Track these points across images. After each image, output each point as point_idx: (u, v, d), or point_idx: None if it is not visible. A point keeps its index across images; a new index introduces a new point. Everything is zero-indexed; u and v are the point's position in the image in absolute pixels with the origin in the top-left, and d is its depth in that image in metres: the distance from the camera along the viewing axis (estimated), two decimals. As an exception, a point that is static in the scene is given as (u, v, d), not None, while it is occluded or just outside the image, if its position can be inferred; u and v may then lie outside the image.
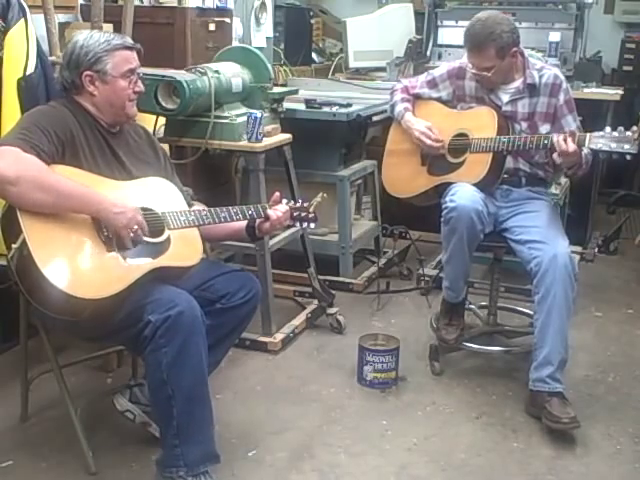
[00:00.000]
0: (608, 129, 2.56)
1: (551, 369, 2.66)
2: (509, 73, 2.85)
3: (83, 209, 2.07)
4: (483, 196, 2.79)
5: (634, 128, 2.53)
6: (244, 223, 2.47)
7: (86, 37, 2.23)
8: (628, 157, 2.54)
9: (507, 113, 2.87)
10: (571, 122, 2.84)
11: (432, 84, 3.05)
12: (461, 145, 2.89)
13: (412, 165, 3.04)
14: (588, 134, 2.58)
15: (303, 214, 2.54)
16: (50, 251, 1.99)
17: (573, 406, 2.67)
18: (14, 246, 2.01)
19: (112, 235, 2.10)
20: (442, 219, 2.79)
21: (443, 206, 2.78)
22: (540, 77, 2.84)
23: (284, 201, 2.52)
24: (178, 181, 2.48)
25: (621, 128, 2.54)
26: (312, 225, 2.57)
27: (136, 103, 2.33)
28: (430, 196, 3.00)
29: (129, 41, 2.29)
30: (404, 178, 3.09)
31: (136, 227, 2.11)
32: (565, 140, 2.59)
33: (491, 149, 2.80)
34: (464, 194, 2.74)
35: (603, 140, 2.55)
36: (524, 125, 2.87)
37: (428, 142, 2.93)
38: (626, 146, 2.51)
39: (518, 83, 2.87)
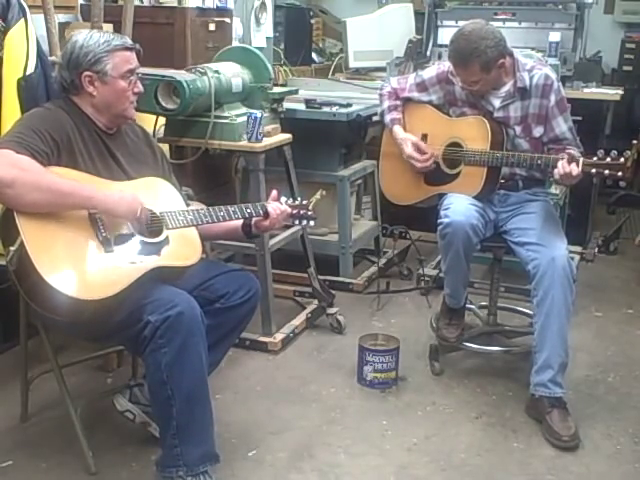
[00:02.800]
0: (601, 153, 2.50)
1: (552, 373, 2.66)
2: (498, 81, 2.81)
3: (81, 205, 2.07)
4: (480, 205, 2.79)
5: (627, 152, 2.47)
6: (240, 221, 2.47)
7: (86, 37, 2.22)
8: (622, 184, 2.50)
9: (499, 118, 2.84)
10: (561, 123, 2.79)
11: (422, 87, 3.00)
12: (455, 156, 2.88)
13: (409, 173, 3.01)
14: (581, 159, 2.52)
15: (302, 212, 2.54)
16: (48, 253, 1.99)
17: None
18: (12, 249, 2.00)
19: (110, 235, 2.10)
20: (438, 233, 2.79)
21: (438, 221, 2.78)
22: (531, 78, 2.79)
23: (283, 199, 2.52)
24: (175, 180, 2.48)
25: (614, 152, 2.48)
26: (311, 223, 2.58)
27: (135, 104, 2.33)
28: (428, 202, 3.01)
29: (129, 42, 2.29)
30: (402, 186, 3.07)
31: (140, 210, 2.12)
32: (569, 164, 2.52)
33: (485, 163, 2.78)
34: (458, 208, 2.72)
35: (596, 167, 2.49)
36: (518, 129, 2.83)
37: (418, 165, 2.92)
38: (619, 173, 2.47)
39: (509, 86, 2.82)
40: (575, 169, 2.51)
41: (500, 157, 2.77)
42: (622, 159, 2.47)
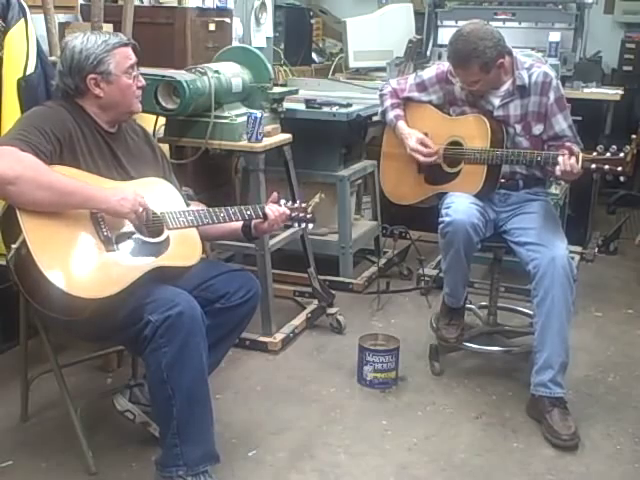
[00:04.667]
0: (600, 148, 2.51)
1: (552, 373, 2.65)
2: (497, 81, 2.82)
3: (83, 205, 2.07)
4: (481, 205, 2.79)
5: (627, 147, 2.48)
6: (240, 223, 2.48)
7: (83, 41, 2.22)
8: (622, 178, 2.50)
9: (499, 117, 2.85)
10: (561, 121, 2.80)
11: (421, 87, 3.01)
12: (456, 155, 2.88)
13: (409, 172, 3.02)
14: (580, 154, 2.53)
15: (301, 214, 2.54)
16: (50, 251, 1.99)
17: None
18: (13, 246, 2.00)
19: (111, 234, 2.10)
20: (438, 232, 2.79)
21: (439, 219, 2.78)
22: (530, 76, 2.80)
23: (282, 202, 2.52)
24: (175, 180, 2.48)
25: (614, 147, 2.49)
26: (310, 226, 2.58)
27: (140, 98, 2.34)
28: (429, 201, 3.02)
29: (124, 38, 2.30)
30: (402, 186, 3.08)
31: (141, 209, 2.12)
32: (570, 159, 2.53)
33: (485, 161, 2.78)
34: (459, 207, 2.73)
35: (596, 162, 2.50)
36: (518, 127, 2.84)
37: (421, 159, 2.92)
38: (619, 168, 2.47)
39: (508, 85, 2.83)
40: (576, 165, 2.51)
41: (500, 154, 2.77)
42: (622, 154, 2.48)
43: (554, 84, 2.80)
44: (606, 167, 2.50)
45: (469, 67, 2.73)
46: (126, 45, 2.27)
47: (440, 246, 2.85)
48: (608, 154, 2.50)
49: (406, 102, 3.05)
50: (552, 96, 2.79)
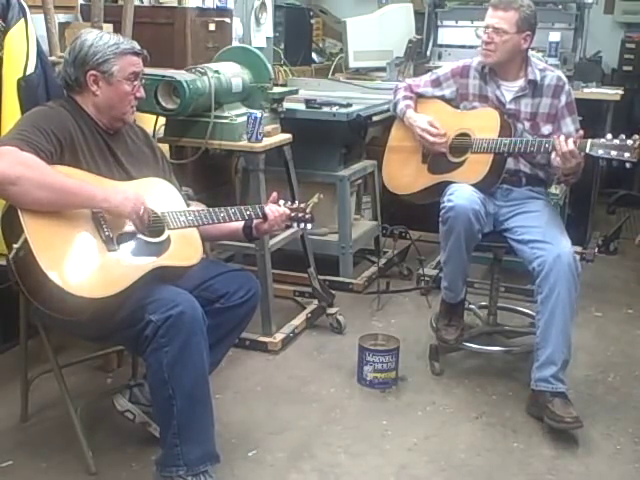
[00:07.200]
0: (609, 136, 2.57)
1: (554, 369, 2.66)
2: (510, 61, 2.86)
3: (85, 204, 2.07)
4: (482, 196, 2.80)
5: (635, 136, 2.54)
6: (241, 223, 2.48)
7: (96, 37, 2.24)
8: (628, 165, 2.55)
9: (511, 111, 2.89)
10: (569, 124, 2.87)
11: (436, 83, 3.08)
12: (462, 144, 2.90)
13: (413, 162, 3.05)
14: (589, 140, 2.58)
15: (300, 215, 2.55)
16: (51, 250, 1.99)
17: (574, 406, 2.67)
18: (15, 246, 2.00)
19: (112, 234, 2.10)
20: (440, 218, 2.79)
21: (441, 205, 2.79)
22: (543, 78, 2.87)
23: (281, 202, 2.53)
24: (176, 181, 2.48)
25: (622, 136, 2.55)
26: (309, 226, 2.58)
27: (135, 109, 2.35)
28: (430, 194, 3.00)
29: (137, 47, 2.31)
30: (404, 175, 3.10)
31: (142, 210, 2.13)
32: (566, 141, 2.60)
33: (492, 150, 2.80)
34: (462, 194, 2.74)
35: (603, 147, 2.57)
36: (527, 125, 2.88)
37: (430, 139, 2.94)
38: (626, 154, 2.53)
39: (521, 82, 2.90)
40: (574, 149, 2.57)
41: (508, 142, 2.79)
42: (630, 141, 2.54)
43: (566, 89, 2.89)
44: (613, 153, 2.55)
45: (508, 12, 2.79)
46: (137, 54, 2.29)
47: (440, 235, 2.84)
48: (616, 141, 2.55)
49: (417, 98, 3.10)
50: (564, 99, 2.87)
